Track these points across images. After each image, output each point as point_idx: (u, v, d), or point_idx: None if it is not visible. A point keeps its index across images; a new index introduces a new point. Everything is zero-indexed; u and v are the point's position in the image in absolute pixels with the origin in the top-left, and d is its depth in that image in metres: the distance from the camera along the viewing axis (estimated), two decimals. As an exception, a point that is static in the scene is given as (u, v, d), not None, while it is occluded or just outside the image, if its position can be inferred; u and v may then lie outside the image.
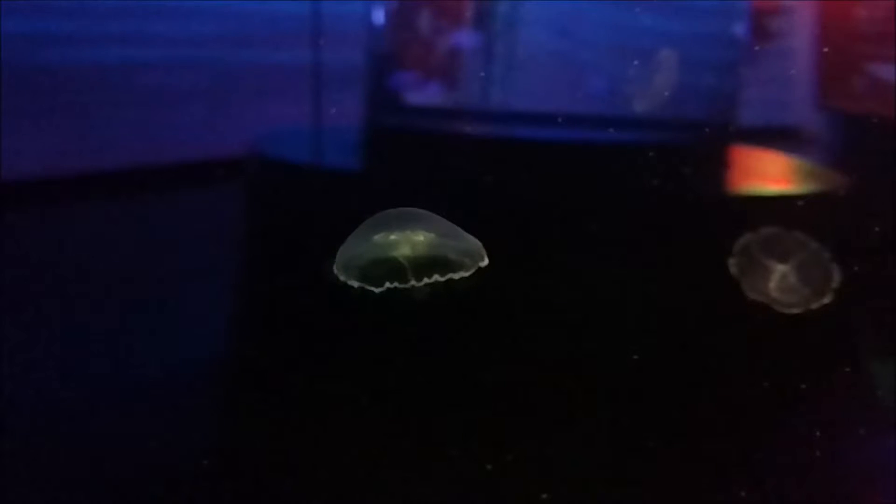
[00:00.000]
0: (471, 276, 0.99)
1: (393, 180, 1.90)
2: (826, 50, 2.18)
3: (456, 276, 0.97)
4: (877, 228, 1.72)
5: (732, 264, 1.67)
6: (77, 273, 1.82)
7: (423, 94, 2.25)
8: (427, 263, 0.96)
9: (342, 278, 1.02)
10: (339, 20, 2.05)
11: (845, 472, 1.68)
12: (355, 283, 0.99)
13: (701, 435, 1.70)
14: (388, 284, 0.96)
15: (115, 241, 1.89)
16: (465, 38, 2.26)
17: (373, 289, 0.97)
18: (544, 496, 1.58)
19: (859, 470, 1.70)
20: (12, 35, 1.73)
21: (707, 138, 2.04)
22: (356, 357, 1.75)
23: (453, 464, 1.66)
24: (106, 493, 1.58)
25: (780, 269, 1.66)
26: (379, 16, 2.21)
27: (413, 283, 0.95)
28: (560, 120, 1.98)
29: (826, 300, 1.62)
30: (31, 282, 1.78)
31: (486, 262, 1.02)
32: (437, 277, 0.96)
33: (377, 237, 1.01)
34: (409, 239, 1.00)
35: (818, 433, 1.67)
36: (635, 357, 1.70)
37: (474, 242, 1.04)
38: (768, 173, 2.16)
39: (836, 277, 1.62)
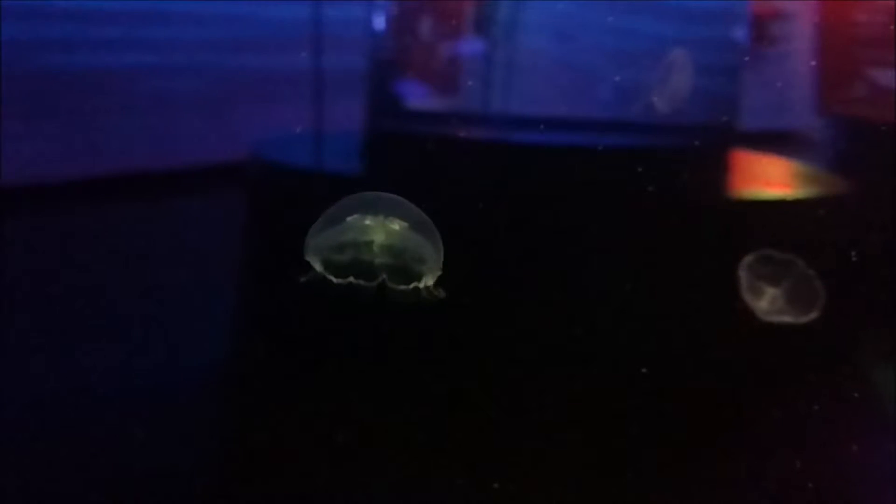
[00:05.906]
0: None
1: (394, 185, 1.90)
2: (825, 55, 2.19)
3: (424, 270, 0.94)
4: (877, 232, 1.72)
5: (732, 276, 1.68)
6: (77, 277, 1.83)
7: (424, 99, 2.25)
8: (397, 253, 0.93)
9: (308, 258, 0.97)
10: (340, 25, 2.05)
11: (846, 477, 1.68)
12: (319, 267, 0.95)
13: (702, 443, 1.70)
14: (351, 279, 0.92)
15: (116, 246, 1.89)
16: (466, 43, 2.26)
17: (332, 278, 0.93)
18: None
19: (860, 475, 1.70)
20: (12, 40, 1.74)
21: (707, 142, 2.04)
22: (358, 364, 1.75)
23: (460, 481, 1.65)
24: (106, 495, 1.57)
25: (770, 291, 1.66)
26: (380, 21, 2.21)
27: (376, 275, 0.92)
28: (541, 126, 1.98)
29: (814, 316, 1.62)
30: (31, 286, 1.78)
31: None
32: (403, 268, 0.93)
33: (351, 218, 0.98)
34: (384, 226, 0.97)
35: (819, 438, 1.67)
36: (644, 370, 1.70)
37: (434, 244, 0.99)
38: (769, 178, 2.16)
39: (824, 297, 1.62)
